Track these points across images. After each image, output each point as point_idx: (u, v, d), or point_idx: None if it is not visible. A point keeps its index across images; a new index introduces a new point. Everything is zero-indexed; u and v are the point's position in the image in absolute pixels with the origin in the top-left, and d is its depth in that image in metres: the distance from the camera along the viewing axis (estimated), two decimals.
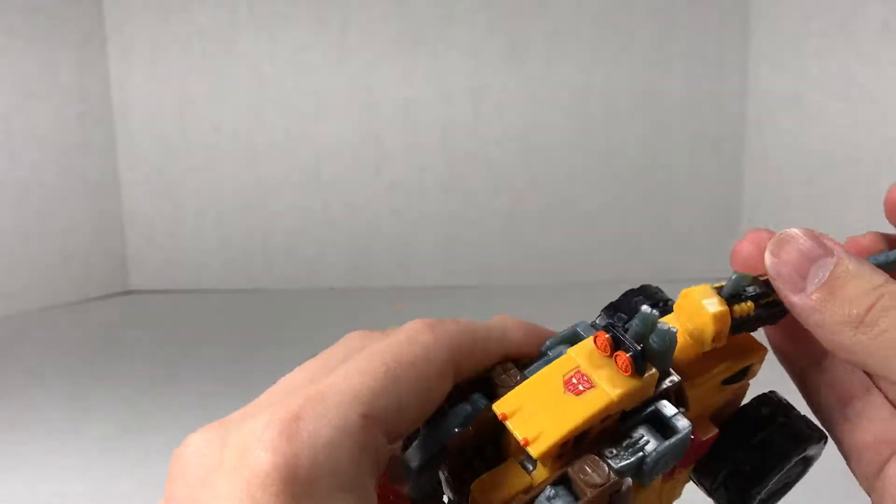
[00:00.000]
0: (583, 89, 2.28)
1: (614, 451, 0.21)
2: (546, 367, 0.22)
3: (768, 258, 0.24)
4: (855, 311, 0.22)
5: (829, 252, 0.23)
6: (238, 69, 2.27)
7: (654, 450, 0.21)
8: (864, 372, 0.24)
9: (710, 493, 0.26)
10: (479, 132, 2.30)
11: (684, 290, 0.24)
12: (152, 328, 1.99)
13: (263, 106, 2.29)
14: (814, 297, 0.23)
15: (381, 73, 2.27)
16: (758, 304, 0.24)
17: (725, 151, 2.32)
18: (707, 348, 0.23)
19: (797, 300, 0.23)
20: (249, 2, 2.24)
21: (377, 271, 2.33)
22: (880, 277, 0.22)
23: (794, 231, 0.24)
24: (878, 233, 0.26)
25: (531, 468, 0.21)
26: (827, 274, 0.23)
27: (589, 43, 2.26)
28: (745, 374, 0.26)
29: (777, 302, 0.24)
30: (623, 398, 0.21)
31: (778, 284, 0.24)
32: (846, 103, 1.97)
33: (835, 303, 0.22)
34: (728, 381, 0.25)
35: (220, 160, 2.31)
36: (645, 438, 0.21)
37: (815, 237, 0.24)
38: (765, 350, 0.26)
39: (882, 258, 0.25)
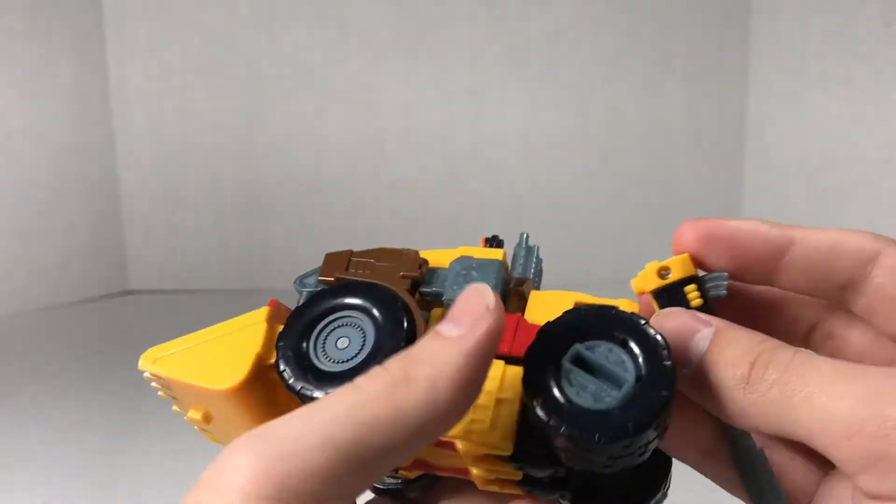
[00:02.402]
0: (583, 89, 2.28)
1: None
2: None
3: (657, 323, 0.25)
4: (739, 371, 0.22)
5: (705, 321, 0.24)
6: (237, 69, 2.27)
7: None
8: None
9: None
10: (479, 132, 2.30)
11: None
12: (152, 328, 1.99)
13: (263, 106, 2.29)
14: (701, 366, 0.23)
15: (381, 73, 2.27)
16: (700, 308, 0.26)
17: (725, 151, 2.32)
18: None
19: (683, 373, 0.23)
20: (249, 1, 2.24)
21: None
22: (758, 336, 0.23)
23: (672, 308, 0.25)
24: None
25: None
26: (707, 343, 0.23)
27: (589, 43, 2.26)
28: None
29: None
30: None
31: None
32: (846, 103, 1.97)
33: (719, 369, 0.23)
34: None
35: (219, 160, 2.31)
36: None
37: (691, 312, 0.24)
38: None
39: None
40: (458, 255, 0.29)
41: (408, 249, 0.28)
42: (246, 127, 2.30)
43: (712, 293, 0.25)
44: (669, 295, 0.25)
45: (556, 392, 0.23)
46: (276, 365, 0.25)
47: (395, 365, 0.21)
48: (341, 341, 0.25)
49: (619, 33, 2.26)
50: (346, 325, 0.26)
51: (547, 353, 0.23)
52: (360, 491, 0.21)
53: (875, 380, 0.21)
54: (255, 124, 2.30)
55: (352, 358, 0.25)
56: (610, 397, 0.22)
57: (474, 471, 0.25)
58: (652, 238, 2.33)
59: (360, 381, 0.21)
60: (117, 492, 1.08)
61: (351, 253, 0.29)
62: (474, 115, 2.29)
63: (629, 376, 0.22)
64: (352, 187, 2.32)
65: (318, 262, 0.30)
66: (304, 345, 0.25)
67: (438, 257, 0.29)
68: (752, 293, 0.27)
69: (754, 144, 2.27)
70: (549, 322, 0.24)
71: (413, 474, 0.29)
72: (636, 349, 0.23)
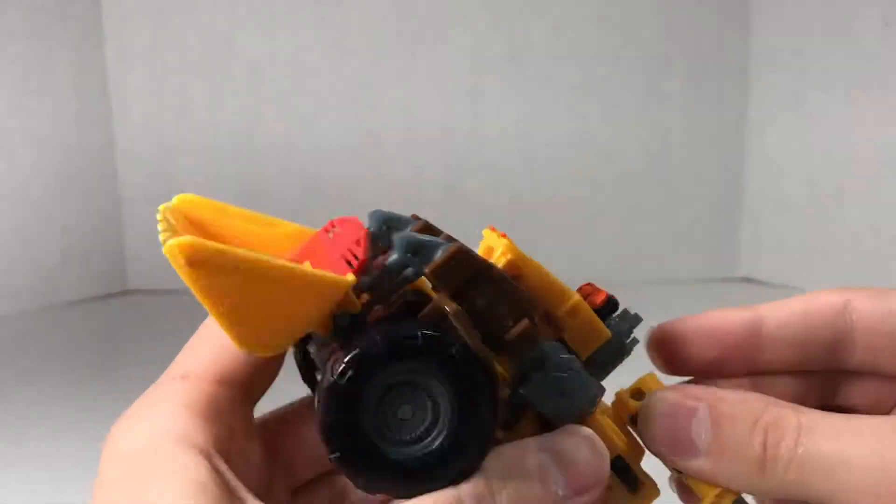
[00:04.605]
0: (583, 89, 2.28)
1: None
2: None
3: (645, 434, 0.23)
4: (751, 461, 0.21)
5: (696, 404, 0.22)
6: (237, 69, 2.27)
7: None
8: None
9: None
10: (479, 132, 2.30)
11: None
12: (152, 328, 1.98)
13: (263, 106, 2.29)
14: (708, 461, 0.22)
15: (381, 73, 2.27)
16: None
17: (725, 151, 2.32)
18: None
19: (696, 468, 0.22)
20: (249, 1, 2.24)
21: None
22: (757, 404, 0.22)
23: (660, 393, 0.23)
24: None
25: None
26: (708, 429, 0.22)
27: (589, 43, 2.26)
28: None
29: None
30: None
31: (669, 456, 0.23)
32: (846, 103, 1.97)
33: (729, 457, 0.22)
34: None
35: (219, 160, 2.31)
36: None
37: (678, 391, 0.23)
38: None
39: None
40: (573, 304, 0.24)
41: (536, 302, 0.22)
42: (246, 127, 2.30)
43: None
44: None
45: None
46: (329, 455, 0.20)
47: (499, 496, 0.20)
48: (403, 410, 0.21)
49: (619, 33, 2.25)
50: (406, 391, 0.21)
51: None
52: None
53: (884, 427, 0.21)
54: (255, 124, 2.30)
55: (421, 438, 0.21)
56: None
57: None
58: (652, 238, 2.33)
59: (465, 497, 0.20)
60: None
61: (482, 268, 0.22)
62: (474, 115, 2.29)
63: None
64: (352, 187, 2.32)
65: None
66: (362, 421, 0.20)
67: (545, 284, 0.24)
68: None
69: (754, 144, 2.27)
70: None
71: None
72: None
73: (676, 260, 2.29)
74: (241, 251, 0.20)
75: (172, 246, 0.20)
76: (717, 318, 0.24)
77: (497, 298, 0.22)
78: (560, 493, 0.21)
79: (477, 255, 0.22)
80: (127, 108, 2.29)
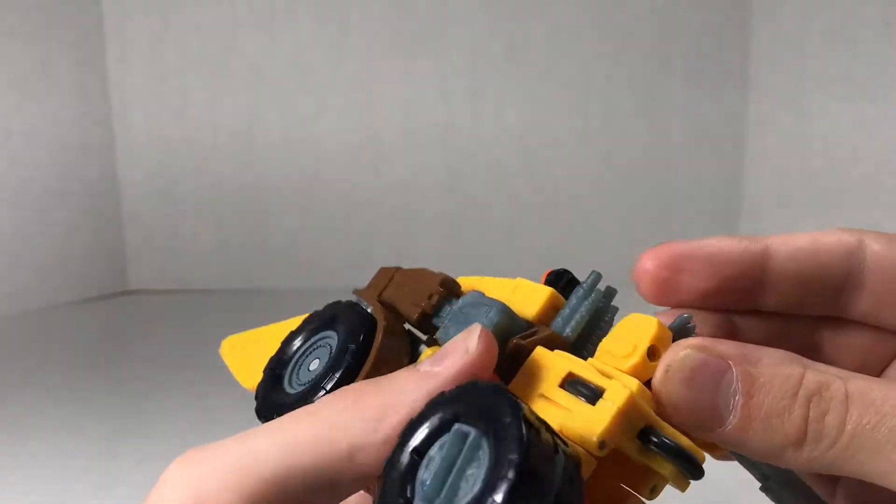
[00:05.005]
0: (583, 89, 2.28)
1: None
2: None
3: (661, 394, 0.19)
4: (788, 434, 0.18)
5: (726, 365, 0.19)
6: (237, 69, 2.27)
7: None
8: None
9: None
10: (479, 132, 2.30)
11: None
12: (152, 328, 1.98)
13: (263, 106, 2.29)
14: (736, 429, 0.19)
15: (381, 73, 2.27)
16: None
17: (725, 151, 2.32)
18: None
19: (719, 437, 0.19)
20: (249, 1, 2.24)
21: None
22: (795, 368, 0.19)
23: (680, 351, 0.19)
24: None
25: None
26: (738, 396, 0.19)
27: (589, 43, 2.26)
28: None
29: None
30: None
31: (688, 425, 0.19)
32: (846, 103, 1.97)
33: (762, 428, 0.19)
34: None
35: (219, 160, 2.31)
36: None
37: (705, 348, 0.19)
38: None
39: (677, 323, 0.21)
40: (511, 287, 0.24)
41: (438, 275, 0.24)
42: (246, 127, 2.30)
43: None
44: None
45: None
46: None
47: (354, 388, 0.20)
48: (314, 364, 0.24)
49: (619, 33, 2.25)
50: (321, 346, 0.24)
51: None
52: None
53: None
54: (255, 124, 2.30)
55: (311, 380, 0.23)
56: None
57: None
58: (652, 238, 2.33)
59: (314, 405, 0.20)
60: (117, 492, 1.08)
61: (396, 271, 0.26)
62: (474, 115, 2.29)
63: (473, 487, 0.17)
64: (351, 187, 2.32)
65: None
66: (285, 370, 0.24)
67: (483, 285, 0.24)
68: (731, 328, 0.23)
69: (754, 144, 2.27)
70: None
71: None
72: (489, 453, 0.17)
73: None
74: None
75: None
76: (718, 245, 0.22)
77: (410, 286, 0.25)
78: (424, 369, 0.20)
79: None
80: (127, 108, 2.29)
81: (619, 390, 0.19)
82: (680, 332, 0.21)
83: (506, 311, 0.22)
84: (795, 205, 2.13)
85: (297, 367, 0.24)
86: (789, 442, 0.18)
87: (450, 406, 0.19)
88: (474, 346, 0.19)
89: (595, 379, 0.20)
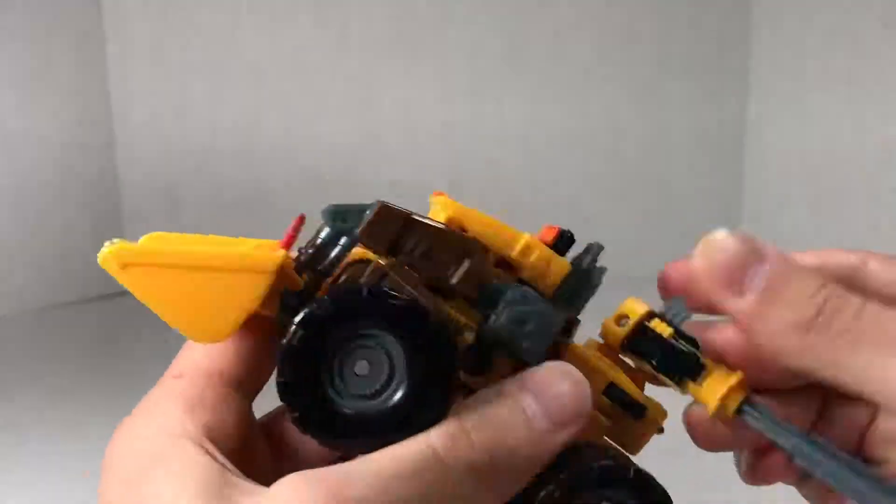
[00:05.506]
0: (583, 89, 2.28)
1: None
2: None
3: (699, 261, 0.23)
4: (803, 314, 0.21)
5: (763, 254, 0.22)
6: (238, 69, 2.27)
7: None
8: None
9: None
10: (479, 132, 2.30)
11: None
12: (151, 329, 1.98)
13: (263, 106, 2.29)
14: (754, 302, 0.22)
15: (381, 73, 2.27)
16: (675, 335, 0.24)
17: (725, 151, 2.32)
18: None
19: (737, 305, 0.22)
20: (249, 2, 2.24)
21: None
22: (818, 278, 0.22)
23: (723, 233, 0.23)
24: None
25: None
26: (765, 277, 0.22)
27: (589, 43, 2.26)
28: (628, 407, 0.24)
29: (687, 354, 0.23)
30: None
31: (713, 290, 0.23)
32: (846, 103, 1.97)
33: (778, 307, 0.21)
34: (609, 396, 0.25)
35: (219, 160, 2.31)
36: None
37: (747, 240, 0.23)
38: (662, 415, 0.25)
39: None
40: (525, 244, 0.25)
41: (474, 241, 0.23)
42: (246, 127, 2.30)
43: (678, 319, 0.25)
44: (640, 339, 0.24)
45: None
46: (290, 416, 0.21)
47: (474, 434, 0.20)
48: (360, 365, 0.21)
49: (619, 33, 2.25)
50: (366, 346, 0.21)
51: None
52: None
53: None
54: (255, 124, 2.30)
55: (378, 391, 0.21)
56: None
57: None
58: (652, 238, 2.33)
59: (436, 441, 0.20)
60: None
61: (407, 218, 0.23)
62: (474, 115, 2.29)
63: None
64: (352, 187, 2.32)
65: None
66: (320, 379, 0.21)
67: (487, 231, 0.25)
68: None
69: (754, 144, 2.27)
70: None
71: None
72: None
73: (675, 259, 2.29)
74: (166, 247, 0.23)
75: (105, 254, 0.23)
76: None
77: (434, 246, 0.23)
78: (541, 426, 0.20)
79: (402, 208, 0.23)
80: (127, 108, 2.29)
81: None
82: (671, 309, 0.25)
83: (552, 314, 0.23)
84: (795, 205, 2.13)
85: (333, 375, 0.21)
86: (799, 324, 0.21)
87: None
88: (587, 408, 0.21)
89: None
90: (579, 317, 0.25)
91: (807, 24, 2.06)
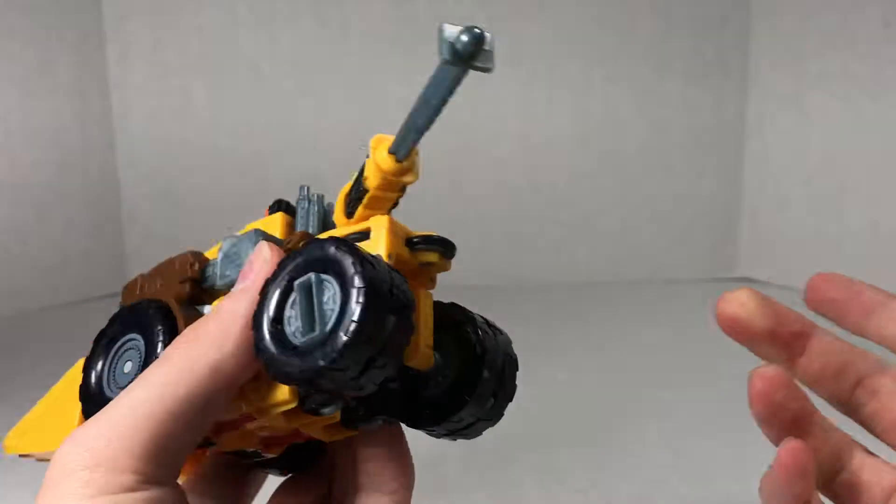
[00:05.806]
0: (582, 89, 2.28)
1: None
2: None
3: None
4: None
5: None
6: (237, 69, 2.27)
7: None
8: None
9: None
10: (479, 132, 2.30)
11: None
12: None
13: (263, 106, 2.29)
14: None
15: (381, 72, 2.27)
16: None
17: (725, 151, 2.32)
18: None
19: None
20: (249, 1, 2.24)
21: None
22: None
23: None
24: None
25: None
26: None
27: (589, 43, 2.26)
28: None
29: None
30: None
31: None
32: (846, 103, 1.97)
33: None
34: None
35: (219, 160, 2.31)
36: None
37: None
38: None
39: None
40: (249, 229, 0.30)
41: (183, 253, 0.29)
42: (246, 127, 2.30)
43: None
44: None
45: (266, 331, 0.23)
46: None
47: (187, 332, 0.23)
48: (127, 366, 0.27)
49: (619, 33, 2.25)
50: (129, 349, 0.27)
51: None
52: (188, 442, 0.22)
53: None
54: (255, 124, 2.30)
55: (134, 376, 0.25)
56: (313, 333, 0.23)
57: (302, 430, 0.27)
58: (651, 237, 2.33)
59: (163, 354, 0.24)
60: None
61: (140, 277, 0.30)
62: (473, 114, 2.29)
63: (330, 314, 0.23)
64: None
65: None
66: (101, 383, 0.27)
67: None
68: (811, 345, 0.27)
69: (754, 144, 2.27)
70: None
71: (272, 452, 0.30)
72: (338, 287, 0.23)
73: (675, 259, 2.29)
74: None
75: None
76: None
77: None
78: (238, 288, 0.25)
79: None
80: (128, 107, 2.29)
81: (378, 221, 0.29)
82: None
83: (263, 232, 0.29)
84: (795, 205, 2.13)
85: (112, 374, 0.27)
86: None
87: (277, 282, 0.23)
88: (269, 254, 0.25)
89: (356, 228, 0.29)
90: None
91: (806, 24, 2.06)
